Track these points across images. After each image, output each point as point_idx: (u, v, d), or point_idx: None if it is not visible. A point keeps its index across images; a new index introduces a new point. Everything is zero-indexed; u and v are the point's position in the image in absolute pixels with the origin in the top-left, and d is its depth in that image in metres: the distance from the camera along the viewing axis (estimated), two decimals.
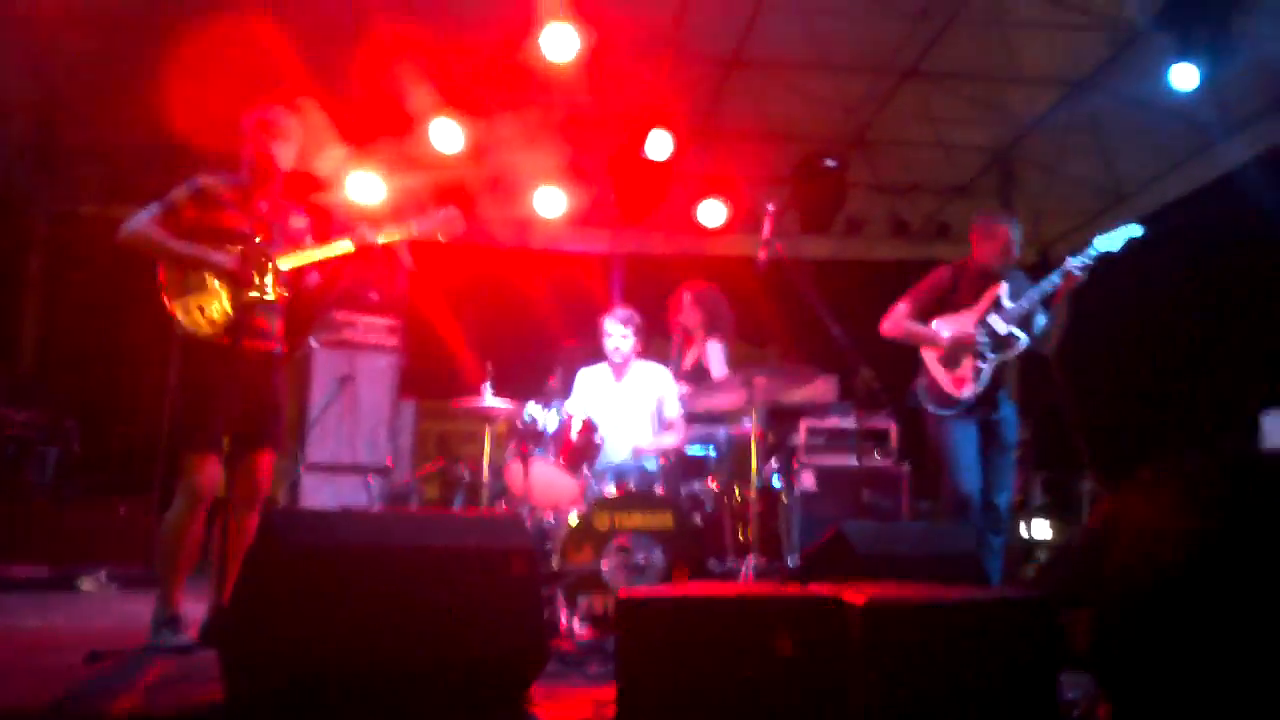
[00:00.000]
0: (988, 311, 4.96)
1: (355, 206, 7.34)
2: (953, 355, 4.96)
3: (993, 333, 4.91)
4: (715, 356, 6.11)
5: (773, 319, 7.30)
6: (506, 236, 8.44)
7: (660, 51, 6.96)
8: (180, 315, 3.98)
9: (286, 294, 4.21)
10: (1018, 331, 4.89)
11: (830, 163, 7.98)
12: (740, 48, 6.97)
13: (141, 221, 3.99)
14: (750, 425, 4.90)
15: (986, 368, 4.89)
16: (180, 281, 4.00)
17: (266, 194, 4.16)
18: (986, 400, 4.90)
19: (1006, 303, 4.93)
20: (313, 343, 6.58)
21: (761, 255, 4.95)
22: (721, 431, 5.58)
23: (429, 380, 7.42)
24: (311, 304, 4.35)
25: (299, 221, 4.29)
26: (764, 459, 5.49)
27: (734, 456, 5.38)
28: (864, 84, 7.34)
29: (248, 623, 2.91)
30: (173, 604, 3.93)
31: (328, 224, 4.35)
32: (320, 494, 6.38)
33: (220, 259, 3.99)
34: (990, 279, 5.01)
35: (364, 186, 7.52)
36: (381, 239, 4.17)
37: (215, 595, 3.94)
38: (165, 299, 4.01)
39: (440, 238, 4.30)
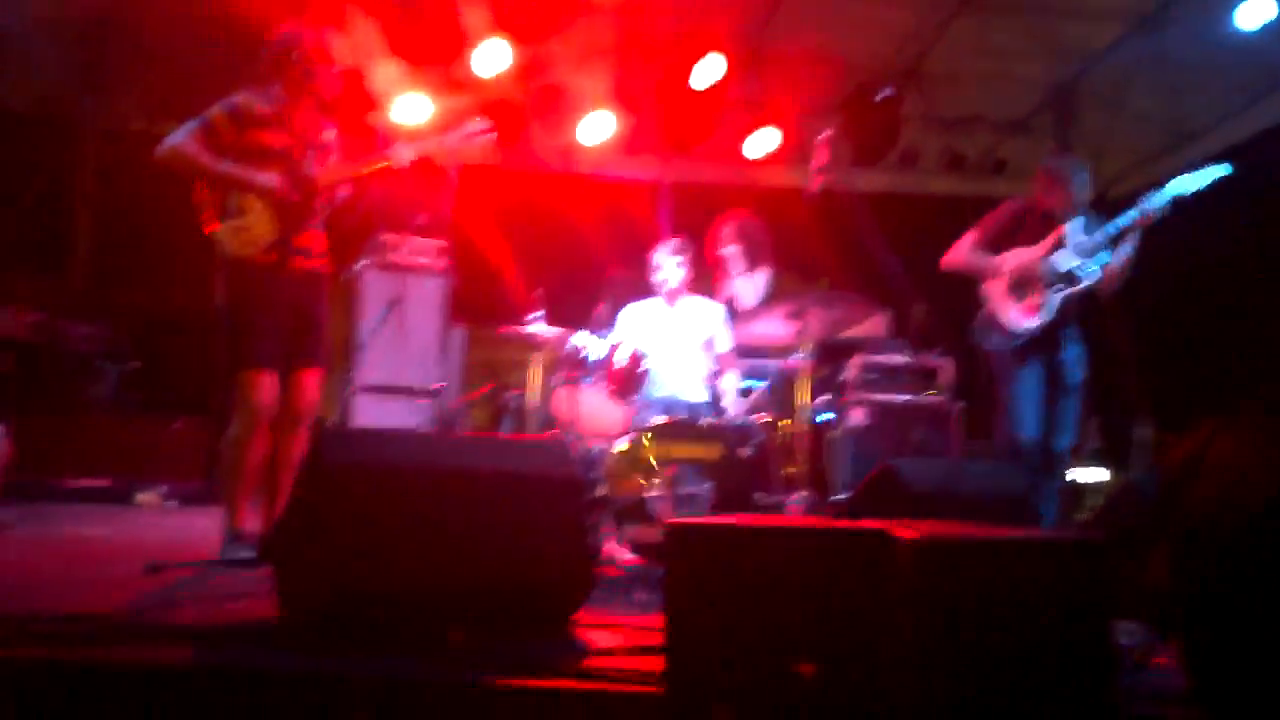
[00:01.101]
0: (1055, 246, 4.84)
1: (400, 127, 7.28)
2: (1018, 286, 4.85)
3: (1059, 267, 4.80)
4: (754, 289, 6.04)
5: (824, 252, 7.17)
6: (554, 161, 8.33)
7: None
8: (224, 236, 3.98)
9: (325, 210, 4.22)
10: (1083, 267, 4.78)
11: (886, 92, 7.78)
12: None
13: (180, 139, 3.96)
14: (800, 359, 4.83)
15: (1053, 301, 4.78)
16: (221, 202, 3.99)
17: (304, 110, 4.14)
18: (1051, 336, 4.80)
19: (1074, 238, 4.81)
20: (362, 264, 6.58)
21: (812, 186, 4.84)
22: (771, 365, 5.53)
23: (478, 306, 7.40)
24: (344, 218, 4.34)
25: (328, 135, 4.27)
26: (814, 394, 5.43)
27: (783, 390, 5.33)
28: (920, 12, 7.13)
29: (297, 540, 2.93)
30: (238, 521, 3.98)
31: (370, 141, 4.32)
32: (370, 416, 6.42)
33: (264, 180, 3.97)
34: (1058, 217, 4.89)
35: (410, 107, 7.45)
36: (415, 153, 4.16)
37: (268, 511, 3.99)
38: (205, 220, 4.01)
39: (474, 147, 4.26)
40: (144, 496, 5.93)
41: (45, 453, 5.74)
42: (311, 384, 4.13)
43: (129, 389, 6.92)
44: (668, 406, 4.98)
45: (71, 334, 6.52)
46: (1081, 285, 4.77)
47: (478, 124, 4.27)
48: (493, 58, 7.16)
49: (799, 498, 4.65)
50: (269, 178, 3.96)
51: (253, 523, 4.00)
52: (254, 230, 3.98)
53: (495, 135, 4.31)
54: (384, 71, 7.17)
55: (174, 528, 5.15)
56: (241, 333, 3.96)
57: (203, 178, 3.97)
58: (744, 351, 5.56)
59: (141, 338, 7.11)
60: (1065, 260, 4.79)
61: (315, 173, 4.07)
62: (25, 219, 7.53)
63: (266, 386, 3.95)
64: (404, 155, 4.13)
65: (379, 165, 4.12)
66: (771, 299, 6.00)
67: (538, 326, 5.06)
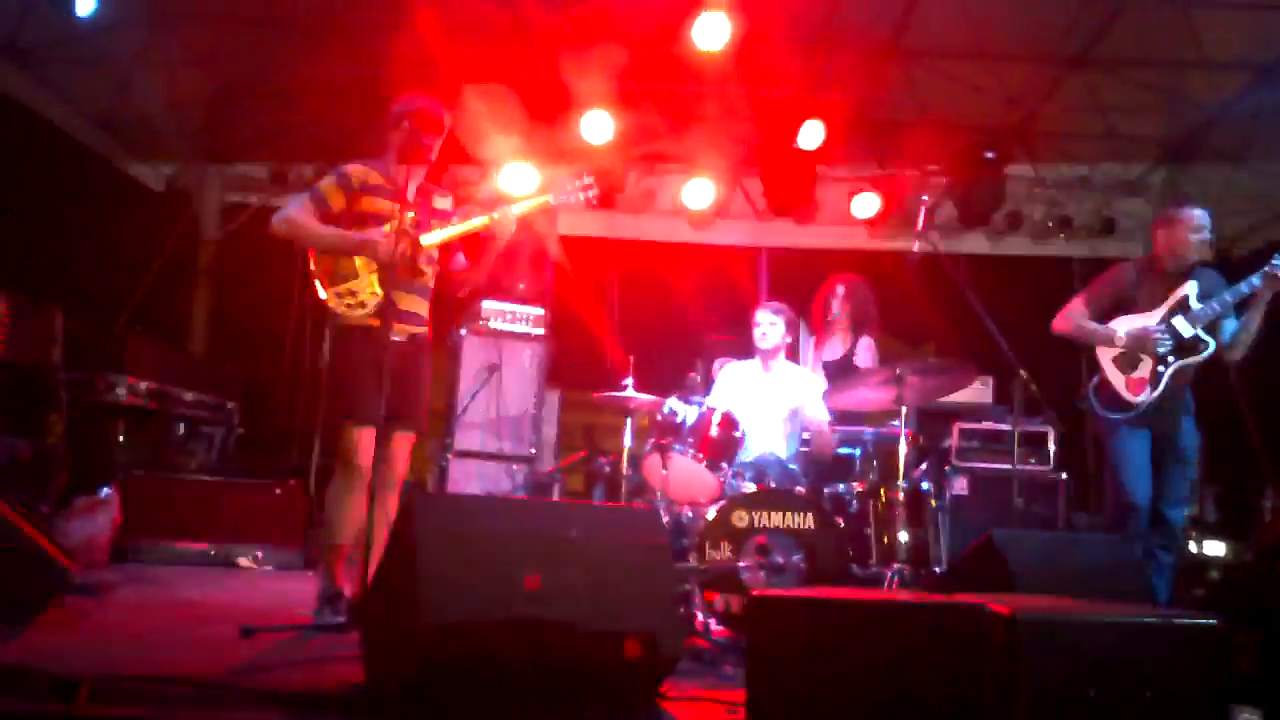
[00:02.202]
0: (1173, 312, 4.60)
1: (507, 196, 7.46)
2: (1130, 357, 4.62)
3: (1177, 335, 4.56)
4: (865, 353, 6.00)
5: (927, 316, 7.08)
6: (654, 228, 8.46)
7: (814, 40, 6.84)
8: (332, 302, 4.11)
9: (433, 277, 4.32)
10: (1205, 336, 4.54)
11: (990, 155, 7.70)
12: (897, 36, 6.79)
13: (291, 210, 4.14)
14: (899, 425, 4.76)
15: (1166, 372, 4.55)
16: (331, 269, 4.13)
17: (412, 179, 4.24)
18: (1164, 408, 4.57)
19: (1194, 304, 4.57)
20: (462, 331, 6.72)
21: (915, 249, 4.80)
22: (868, 432, 5.46)
23: (573, 371, 7.49)
24: (458, 287, 4.43)
25: (444, 202, 4.39)
26: (913, 462, 5.34)
27: (881, 458, 5.25)
28: (1027, 72, 7.05)
29: (386, 606, 2.96)
30: (335, 581, 4.05)
31: (471, 209, 4.42)
32: (466, 481, 6.51)
33: (368, 240, 4.09)
34: (1177, 278, 4.65)
35: (516, 176, 7.65)
36: (519, 210, 4.24)
37: (361, 575, 4.05)
38: (317, 286, 4.15)
39: (576, 201, 4.36)
40: (244, 560, 6.09)
41: (150, 516, 5.93)
42: (405, 449, 4.21)
43: (232, 455, 7.15)
44: (760, 473, 4.95)
45: (183, 401, 6.78)
46: (1201, 356, 4.54)
47: (581, 182, 4.37)
48: (594, 127, 7.35)
49: (897, 570, 4.54)
50: (373, 238, 4.08)
51: (350, 585, 4.06)
52: (361, 295, 4.10)
53: (597, 191, 4.41)
54: (493, 143, 7.42)
55: (271, 591, 5.27)
56: (347, 390, 4.07)
57: (313, 244, 4.13)
58: (842, 417, 5.52)
59: (247, 405, 7.35)
60: (1184, 327, 4.57)
61: (423, 234, 4.19)
62: (152, 290, 7.94)
63: (367, 444, 4.03)
64: (509, 213, 4.21)
65: (481, 222, 4.21)
66: (873, 363, 5.95)
67: (631, 392, 5.09)
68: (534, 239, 7.07)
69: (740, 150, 7.76)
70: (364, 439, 4.01)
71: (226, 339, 8.37)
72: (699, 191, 8.05)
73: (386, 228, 4.12)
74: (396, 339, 4.09)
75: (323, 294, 4.13)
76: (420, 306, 4.28)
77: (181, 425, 6.93)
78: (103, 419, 6.32)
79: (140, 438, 6.57)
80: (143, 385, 6.38)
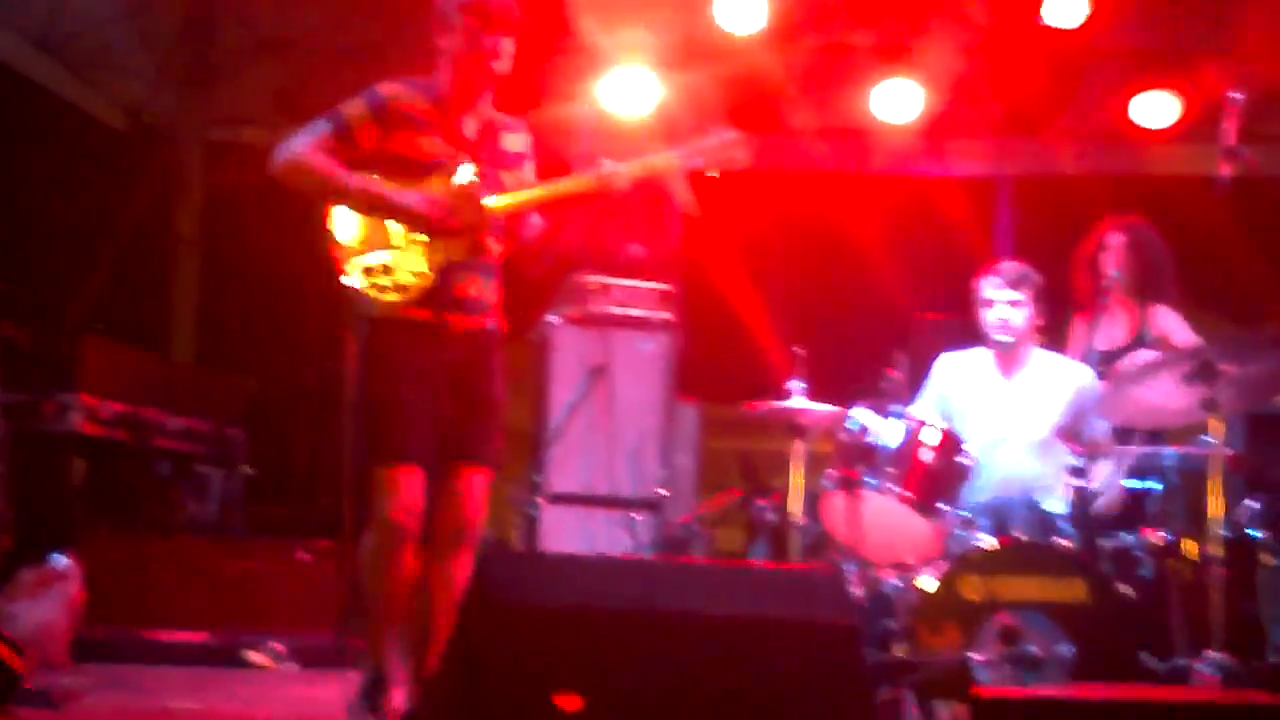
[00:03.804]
0: None
1: (612, 121, 7.62)
2: None
3: None
4: (1165, 330, 5.95)
5: (1249, 275, 6.92)
6: (829, 156, 8.49)
7: None
8: (358, 281, 4.21)
9: (503, 248, 4.38)
10: None
11: None
12: None
13: (303, 146, 4.22)
14: (1212, 445, 4.71)
15: None
16: (356, 234, 4.24)
17: (474, 107, 4.35)
18: None
19: None
20: (553, 319, 6.82)
21: (1224, 172, 4.73)
22: (1167, 454, 5.38)
23: (716, 373, 7.60)
24: (533, 261, 4.56)
25: (516, 141, 4.48)
26: (1237, 498, 5.25)
27: (1186, 493, 5.19)
28: None
29: (454, 706, 3.06)
30: (379, 664, 4.19)
31: (563, 150, 4.52)
32: (566, 535, 6.61)
33: (410, 200, 4.17)
34: None
35: (627, 89, 7.79)
36: (630, 172, 4.28)
37: (415, 663, 4.21)
38: (336, 258, 4.26)
39: (711, 170, 4.42)
40: (255, 656, 6.10)
41: (127, 594, 6.08)
42: (476, 490, 4.30)
43: (238, 504, 7.36)
44: (1002, 520, 4.93)
45: (165, 429, 7.01)
46: None
47: (725, 135, 4.42)
48: (738, 10, 7.43)
49: (1212, 660, 4.49)
50: (416, 197, 4.16)
51: (398, 674, 4.18)
52: (400, 275, 4.18)
53: (746, 153, 4.44)
54: (593, 42, 7.60)
55: (294, 699, 5.39)
56: (380, 415, 4.19)
57: (330, 197, 4.24)
58: (1125, 434, 5.47)
59: (256, 432, 7.58)
60: None
61: (489, 193, 4.25)
62: (116, 271, 8.27)
63: (412, 489, 4.14)
64: (620, 176, 4.26)
65: (582, 187, 4.28)
66: (1171, 351, 5.85)
67: (801, 401, 5.10)
68: (647, 185, 7.13)
69: (957, 36, 7.71)
70: (403, 483, 4.13)
71: (224, 339, 8.70)
72: (898, 98, 8.01)
73: (436, 184, 4.21)
74: (453, 337, 4.23)
75: (345, 274, 4.24)
76: (486, 289, 4.34)
77: (165, 463, 7.16)
78: (53, 457, 6.56)
79: (107, 483, 6.82)
80: (107, 408, 6.55)
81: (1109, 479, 5.29)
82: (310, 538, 6.54)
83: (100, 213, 8.31)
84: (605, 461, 6.74)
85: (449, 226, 4.17)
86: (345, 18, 7.72)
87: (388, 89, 4.28)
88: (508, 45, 4.25)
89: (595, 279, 6.88)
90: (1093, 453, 5.27)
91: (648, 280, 6.95)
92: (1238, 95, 4.81)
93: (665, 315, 6.93)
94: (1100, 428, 5.37)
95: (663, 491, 6.77)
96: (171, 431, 7.07)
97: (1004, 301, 5.44)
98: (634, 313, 6.88)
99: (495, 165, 4.35)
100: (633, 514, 6.69)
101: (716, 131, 4.46)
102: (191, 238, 8.93)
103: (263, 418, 7.87)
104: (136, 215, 8.53)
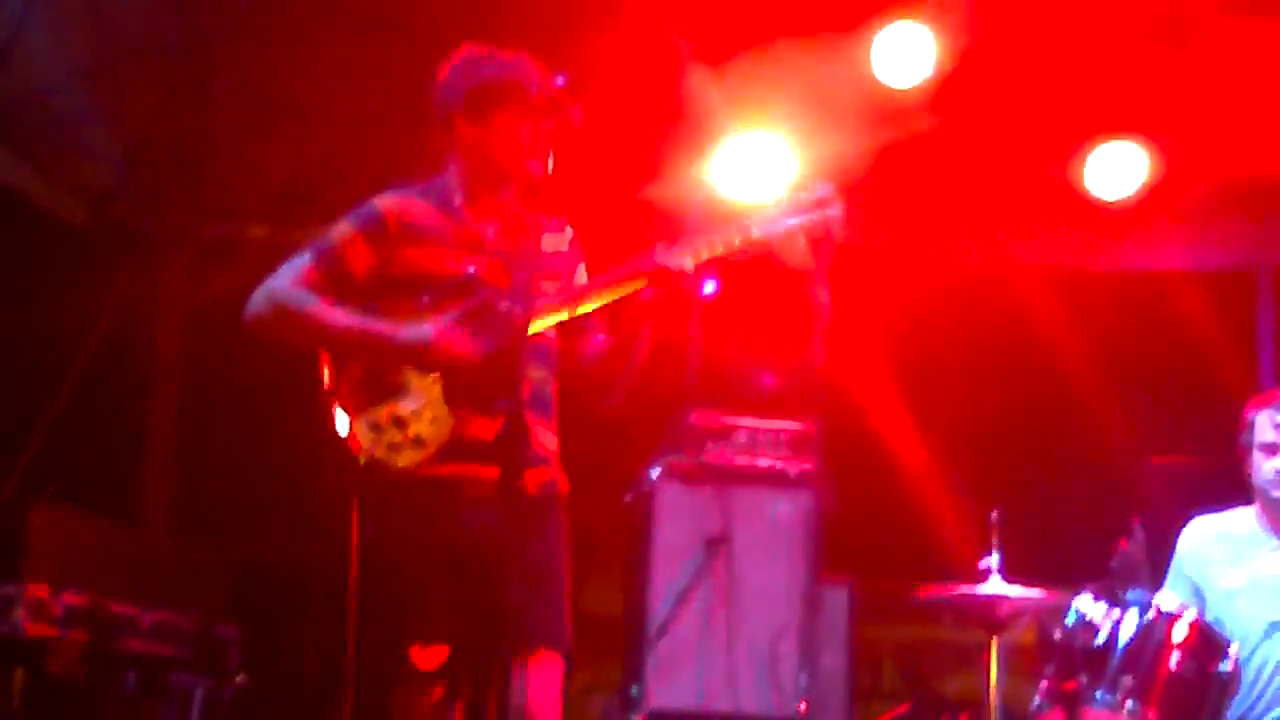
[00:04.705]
0: None
1: (729, 204, 7.57)
2: None
3: None
4: None
5: None
6: (1021, 246, 8.46)
7: None
8: (364, 439, 4.19)
9: (552, 378, 4.39)
10: None
11: None
12: None
13: (278, 286, 4.29)
14: None
15: None
16: (359, 383, 4.24)
17: (497, 207, 4.37)
18: None
19: None
20: (653, 473, 6.75)
21: None
22: None
23: (875, 544, 7.51)
24: (603, 388, 4.50)
25: (558, 241, 4.48)
26: None
27: None
28: None
29: None
30: None
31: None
32: None
33: (411, 335, 4.17)
34: None
35: (750, 163, 7.73)
36: (693, 259, 4.24)
37: None
38: (337, 415, 4.25)
39: (820, 232, 4.33)
40: None
41: None
42: (548, 683, 4.25)
43: None
44: None
45: (136, 627, 6.97)
46: None
47: (816, 193, 4.34)
48: (896, 54, 7.43)
49: None
50: (421, 330, 4.16)
51: None
52: (417, 426, 4.18)
53: (840, 216, 4.34)
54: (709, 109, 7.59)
55: None
56: (389, 608, 4.21)
57: (315, 343, 4.29)
58: None
59: (252, 631, 7.53)
60: None
61: (522, 310, 4.14)
62: (70, 414, 8.24)
63: (428, 714, 4.12)
64: (671, 261, 4.22)
65: (627, 286, 4.26)
66: None
67: (997, 584, 5.07)
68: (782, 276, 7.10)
69: (1203, 83, 7.59)
70: (416, 705, 4.15)
71: (211, 502, 8.72)
72: (1118, 166, 7.99)
73: (450, 306, 4.20)
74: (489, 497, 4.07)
75: (345, 428, 4.22)
76: (539, 434, 4.32)
77: (133, 673, 7.11)
78: None
79: (57, 701, 6.77)
80: (60, 601, 6.56)
81: None
82: None
83: (56, 334, 8.39)
84: (726, 667, 6.65)
85: (466, 358, 4.17)
86: (376, 78, 7.75)
87: (383, 200, 4.36)
88: (544, 131, 4.26)
89: (710, 416, 6.76)
90: None
91: (782, 420, 6.85)
92: None
93: (805, 467, 6.83)
94: None
95: (802, 708, 6.62)
96: (144, 630, 6.99)
97: None
98: (764, 463, 6.78)
99: (530, 274, 4.25)
100: None
101: (812, 187, 4.40)
102: (172, 366, 8.94)
103: (259, 608, 7.80)
104: (102, 336, 8.52)
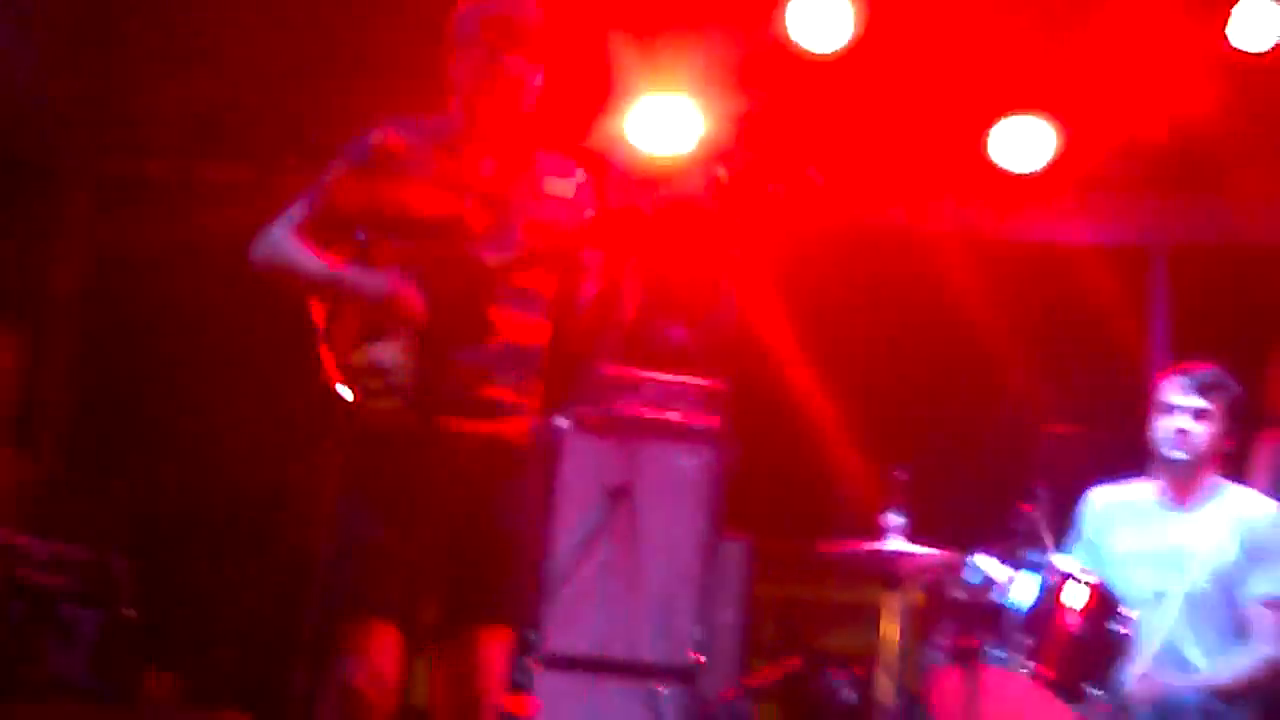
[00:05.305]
0: None
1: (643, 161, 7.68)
2: None
3: None
4: None
5: None
6: (934, 212, 8.52)
7: None
8: (347, 384, 4.22)
9: (534, 327, 4.35)
10: None
11: None
12: None
13: (270, 231, 4.33)
14: None
15: None
16: (346, 328, 4.26)
17: (495, 145, 4.35)
18: None
19: None
20: (561, 422, 6.78)
21: None
22: None
23: (777, 501, 7.61)
24: (589, 338, 4.53)
25: (563, 186, 4.46)
26: None
27: None
28: None
29: None
30: None
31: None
32: (567, 710, 6.58)
33: (371, 285, 4.19)
34: None
35: (662, 122, 7.84)
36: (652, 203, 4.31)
37: None
38: (325, 358, 4.27)
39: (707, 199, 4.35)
40: None
41: None
42: (489, 658, 4.25)
43: (122, 658, 7.30)
44: (1169, 708, 4.95)
45: (31, 555, 6.95)
46: None
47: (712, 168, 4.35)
48: (813, 23, 7.46)
49: None
50: (379, 281, 4.18)
51: None
52: (395, 375, 4.19)
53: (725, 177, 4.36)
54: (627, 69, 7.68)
55: None
56: (348, 557, 4.17)
57: (295, 287, 4.35)
58: None
59: (151, 561, 7.54)
60: None
61: (515, 252, 4.24)
62: None
63: (379, 655, 4.09)
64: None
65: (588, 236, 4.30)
66: None
67: (899, 542, 5.10)
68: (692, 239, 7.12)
69: (1104, 61, 7.71)
70: (370, 647, 4.10)
71: (108, 437, 8.65)
72: (1032, 136, 8.05)
73: (439, 247, 4.22)
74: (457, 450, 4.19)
75: (332, 370, 4.25)
76: (503, 384, 4.32)
77: (20, 603, 7.09)
78: None
79: None
80: None
81: None
82: (230, 707, 6.46)
83: None
84: (623, 616, 6.69)
85: (418, 310, 4.17)
86: (286, 26, 7.71)
87: (378, 131, 4.33)
88: (531, 64, 4.29)
89: (617, 369, 6.85)
90: None
91: (690, 375, 6.92)
92: None
93: (709, 421, 6.87)
94: None
95: (698, 657, 6.69)
96: (35, 560, 7.00)
97: (1188, 410, 5.46)
98: (671, 417, 6.85)
99: (529, 215, 4.34)
100: (658, 687, 6.62)
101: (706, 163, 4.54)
102: (70, 301, 8.88)
103: (154, 543, 7.82)
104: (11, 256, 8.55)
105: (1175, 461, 5.48)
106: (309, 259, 4.25)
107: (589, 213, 4.41)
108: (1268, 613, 5.35)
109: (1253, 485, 5.94)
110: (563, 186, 4.45)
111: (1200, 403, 5.46)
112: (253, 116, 8.18)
